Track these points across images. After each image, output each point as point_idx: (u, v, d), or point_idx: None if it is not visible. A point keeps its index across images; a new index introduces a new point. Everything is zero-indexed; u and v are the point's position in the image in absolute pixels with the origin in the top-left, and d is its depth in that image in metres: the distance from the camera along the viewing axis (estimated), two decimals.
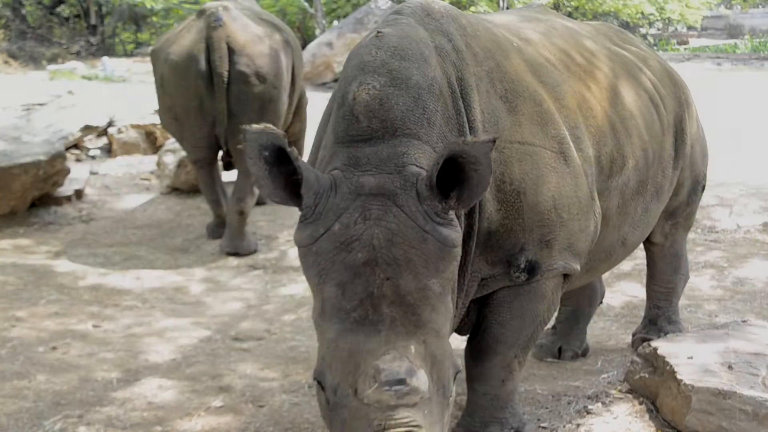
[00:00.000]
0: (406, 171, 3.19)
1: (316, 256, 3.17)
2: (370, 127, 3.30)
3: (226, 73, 7.98)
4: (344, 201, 3.16)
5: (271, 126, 3.16)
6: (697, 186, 5.31)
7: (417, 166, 3.21)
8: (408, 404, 2.90)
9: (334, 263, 3.11)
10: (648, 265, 5.60)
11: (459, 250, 3.25)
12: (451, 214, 3.20)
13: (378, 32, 3.54)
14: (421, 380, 2.94)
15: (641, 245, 5.29)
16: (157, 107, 9.09)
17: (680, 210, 5.25)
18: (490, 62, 3.77)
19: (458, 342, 5.20)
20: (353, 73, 3.43)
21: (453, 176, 3.11)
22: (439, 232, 3.13)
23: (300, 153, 10.17)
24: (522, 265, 3.71)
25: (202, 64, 8.03)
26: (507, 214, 3.62)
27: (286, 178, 3.19)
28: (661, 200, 4.79)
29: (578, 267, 3.94)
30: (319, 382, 3.09)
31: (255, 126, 3.13)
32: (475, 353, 3.95)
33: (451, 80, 3.57)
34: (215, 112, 8.08)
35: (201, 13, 8.51)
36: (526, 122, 3.72)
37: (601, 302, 5.76)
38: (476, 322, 3.93)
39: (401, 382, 2.91)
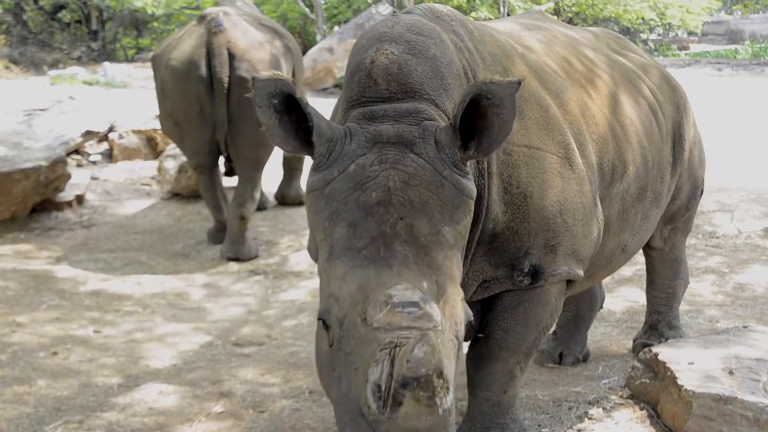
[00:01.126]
0: (424, 123, 3.16)
1: (328, 199, 3.11)
2: (388, 90, 3.26)
3: (226, 79, 7.98)
4: (360, 148, 3.12)
5: (279, 72, 3.12)
6: (696, 191, 5.32)
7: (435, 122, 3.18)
8: (421, 328, 2.80)
9: (347, 203, 3.05)
10: (647, 270, 5.60)
11: (473, 207, 3.20)
12: (468, 168, 3.17)
13: (393, 12, 3.50)
14: (435, 309, 2.86)
15: (641, 250, 5.29)
16: (157, 112, 9.10)
17: (679, 215, 5.26)
18: (498, 66, 3.77)
19: None
20: (369, 42, 3.39)
21: (471, 127, 3.08)
22: (456, 179, 3.10)
23: (300, 160, 10.23)
24: (526, 270, 3.70)
25: (203, 70, 8.04)
26: (513, 217, 3.62)
27: (296, 126, 3.16)
28: (660, 206, 4.80)
29: (581, 273, 3.94)
30: (323, 322, 2.99)
31: (263, 73, 3.12)
32: (477, 359, 3.95)
33: (467, 71, 3.57)
34: (216, 117, 8.08)
35: (202, 18, 8.51)
36: (533, 127, 3.73)
37: (602, 307, 5.76)
38: (479, 328, 3.92)
39: (414, 304, 2.84)
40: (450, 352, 2.88)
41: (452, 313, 2.95)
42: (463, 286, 3.62)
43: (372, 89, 3.27)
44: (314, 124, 3.11)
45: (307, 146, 3.18)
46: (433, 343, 2.71)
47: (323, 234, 3.13)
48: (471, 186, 3.16)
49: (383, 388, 2.73)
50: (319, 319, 3.02)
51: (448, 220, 3.06)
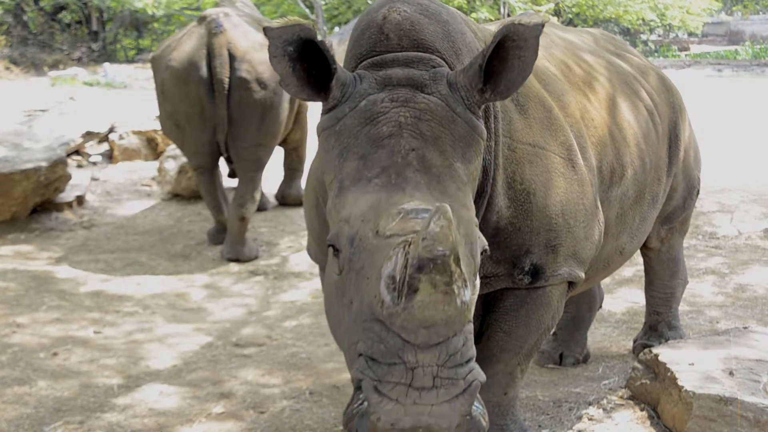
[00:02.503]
0: (435, 69, 3.16)
1: (339, 135, 3.09)
2: (400, 44, 3.23)
3: (227, 80, 7.98)
4: (371, 88, 3.12)
5: (294, 17, 3.10)
6: (692, 190, 5.32)
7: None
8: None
9: (358, 137, 3.03)
10: (646, 271, 5.60)
11: (483, 148, 3.18)
12: (481, 111, 3.17)
13: None
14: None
15: (638, 251, 5.29)
16: (158, 113, 9.10)
17: (676, 215, 5.26)
18: None
19: None
20: (380, 3, 3.36)
21: (488, 70, 3.06)
22: (470, 117, 3.09)
23: (301, 161, 10.24)
24: (526, 268, 3.69)
25: (203, 71, 8.04)
26: (516, 213, 3.61)
27: (308, 73, 3.13)
28: (656, 207, 4.81)
29: (582, 275, 3.93)
30: (332, 248, 2.92)
31: (277, 21, 3.10)
32: (477, 360, 3.93)
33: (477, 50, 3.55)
34: (216, 118, 8.08)
35: (202, 19, 8.51)
36: (537, 126, 3.73)
37: (600, 306, 5.76)
38: (479, 330, 3.91)
39: (427, 211, 2.76)
40: (466, 266, 2.77)
41: (467, 233, 2.89)
42: None
43: (383, 44, 3.24)
44: (337, 69, 3.09)
45: (320, 92, 3.16)
46: (449, 218, 2.59)
47: (333, 173, 3.10)
48: (483, 128, 3.15)
49: (398, 278, 2.64)
50: (329, 245, 2.95)
51: (461, 156, 3.04)
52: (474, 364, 2.73)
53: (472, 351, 2.74)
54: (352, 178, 2.99)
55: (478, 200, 3.45)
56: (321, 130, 3.19)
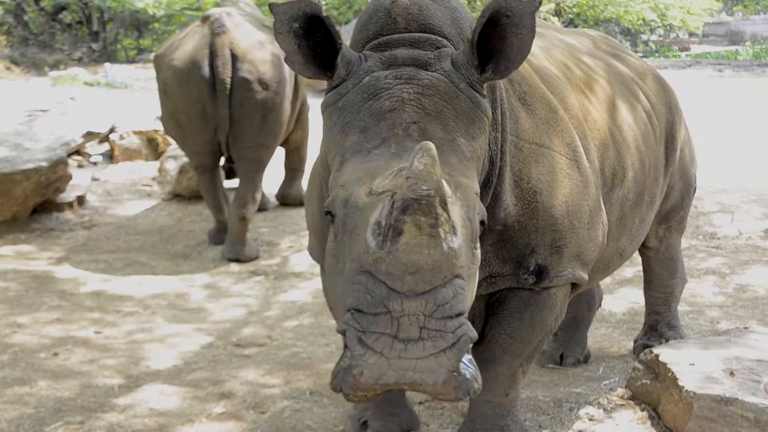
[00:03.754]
0: (441, 49, 3.17)
1: (341, 111, 3.10)
2: (407, 28, 3.24)
3: (229, 80, 7.98)
4: (376, 66, 3.13)
5: None
6: (689, 189, 5.33)
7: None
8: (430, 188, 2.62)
9: (360, 112, 3.04)
10: (644, 270, 5.60)
11: (488, 128, 3.18)
12: (486, 91, 3.17)
13: None
14: (444, 184, 2.70)
15: (637, 251, 5.29)
16: (159, 113, 9.10)
17: (673, 214, 5.27)
18: None
19: None
20: None
21: (489, 49, 3.07)
22: (473, 94, 3.09)
23: (302, 161, 10.24)
24: (531, 268, 3.68)
25: (206, 70, 8.04)
26: (523, 212, 3.60)
27: (313, 51, 3.14)
28: (654, 209, 4.82)
29: (586, 276, 3.93)
30: (330, 214, 2.92)
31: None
32: (480, 362, 3.89)
33: None
34: (218, 118, 8.08)
35: (205, 19, 8.52)
36: (543, 126, 3.74)
37: (600, 306, 5.76)
38: (482, 331, 3.90)
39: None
40: (460, 227, 2.74)
41: (465, 197, 2.85)
42: None
43: (390, 27, 3.25)
44: (342, 45, 3.10)
45: (325, 70, 3.16)
46: (433, 155, 2.57)
47: (335, 149, 3.09)
48: (487, 106, 3.15)
49: (383, 223, 2.62)
50: (326, 212, 2.94)
51: (464, 132, 3.04)
52: (464, 320, 2.66)
53: (463, 305, 2.68)
54: (353, 151, 2.99)
55: (484, 189, 3.44)
56: (325, 107, 3.20)
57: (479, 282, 3.66)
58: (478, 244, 2.93)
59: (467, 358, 2.66)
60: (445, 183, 2.66)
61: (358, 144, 2.99)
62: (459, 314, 2.66)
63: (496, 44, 3.07)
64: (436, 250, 2.58)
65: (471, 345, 2.68)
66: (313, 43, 3.13)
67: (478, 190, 3.02)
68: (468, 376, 2.64)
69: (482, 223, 2.95)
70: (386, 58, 3.14)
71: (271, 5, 3.13)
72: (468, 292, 2.77)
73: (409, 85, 3.05)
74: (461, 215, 2.80)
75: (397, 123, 2.97)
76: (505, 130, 3.54)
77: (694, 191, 5.45)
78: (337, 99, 3.14)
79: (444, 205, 2.59)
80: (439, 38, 3.23)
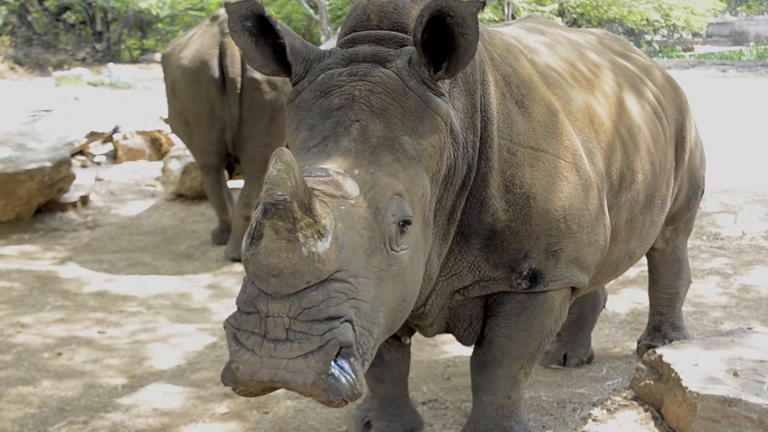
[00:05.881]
0: (404, 48, 3.20)
1: (297, 108, 3.17)
2: (379, 26, 3.29)
3: (239, 79, 7.99)
4: (335, 63, 3.18)
5: None
6: (697, 191, 5.29)
7: None
8: (324, 192, 2.74)
9: (311, 109, 3.11)
10: (650, 271, 5.58)
11: (443, 128, 3.19)
12: (444, 89, 3.19)
13: None
14: (349, 183, 2.81)
15: None
16: (162, 113, 9.12)
17: (680, 215, 5.24)
18: (507, 68, 3.74)
19: (462, 350, 5.20)
20: None
21: (445, 48, 3.08)
22: (424, 92, 3.12)
23: None
24: (524, 272, 3.66)
25: (215, 70, 8.05)
26: (514, 217, 3.58)
27: (273, 49, 3.20)
28: (665, 211, 4.77)
29: (586, 280, 3.90)
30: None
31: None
32: (480, 364, 3.92)
33: (478, 57, 3.54)
34: (226, 117, 8.10)
35: (214, 18, 8.54)
36: (541, 129, 3.70)
37: (604, 307, 5.75)
38: (481, 333, 3.90)
39: (323, 170, 2.82)
40: (358, 226, 2.79)
41: (375, 198, 2.87)
42: (456, 273, 3.60)
43: (363, 24, 3.31)
44: (287, 42, 3.15)
45: (286, 68, 3.23)
46: (287, 161, 2.60)
47: (292, 146, 3.16)
48: (440, 102, 3.17)
49: (253, 226, 2.70)
50: None
51: (410, 130, 3.07)
52: (339, 324, 2.68)
53: (338, 309, 2.71)
54: (299, 148, 3.07)
55: (460, 192, 3.45)
56: (286, 104, 3.28)
57: (471, 285, 3.67)
58: (403, 245, 2.95)
59: (346, 361, 2.69)
60: (307, 188, 2.67)
61: (303, 141, 3.07)
62: (331, 318, 2.69)
63: (449, 44, 3.08)
64: (295, 254, 2.64)
65: (350, 348, 2.70)
66: (272, 41, 3.20)
67: (403, 190, 2.99)
68: (343, 380, 2.66)
69: (406, 223, 2.95)
70: (348, 54, 3.20)
71: (225, 5, 3.20)
72: (362, 294, 2.78)
73: (363, 82, 3.09)
74: (363, 216, 2.82)
75: (341, 121, 3.02)
76: (490, 135, 3.51)
77: (702, 193, 5.40)
78: (294, 96, 3.21)
79: (306, 209, 2.63)
80: (407, 36, 3.25)
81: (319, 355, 2.64)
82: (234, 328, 2.73)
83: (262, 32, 3.18)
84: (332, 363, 2.65)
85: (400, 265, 2.95)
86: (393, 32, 3.27)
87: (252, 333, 2.69)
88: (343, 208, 2.78)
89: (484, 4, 2.99)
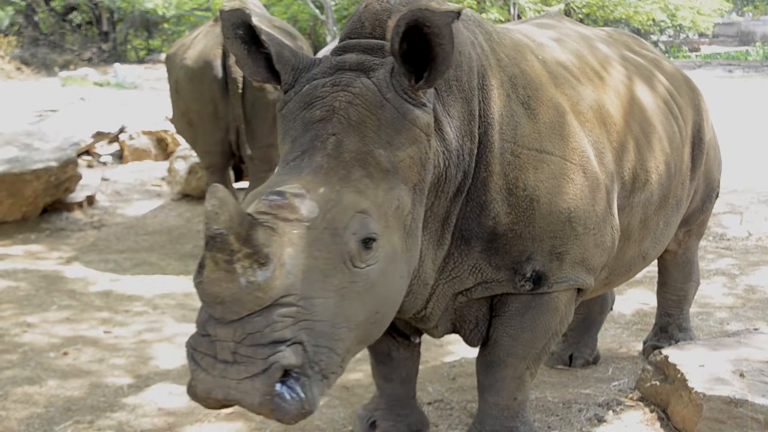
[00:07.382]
0: (390, 57, 3.19)
1: (284, 119, 3.22)
2: (372, 34, 3.30)
3: (241, 79, 8.00)
4: (322, 73, 3.21)
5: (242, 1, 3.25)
6: (712, 193, 5.25)
7: None
8: (277, 216, 2.82)
9: (295, 121, 3.15)
10: (660, 272, 5.57)
11: (423, 138, 3.18)
12: (426, 99, 3.20)
13: None
14: (306, 205, 2.87)
15: None
16: (168, 113, 9.12)
17: (694, 217, 5.20)
18: (515, 68, 3.71)
19: (468, 351, 5.20)
20: None
21: (424, 59, 3.08)
22: (401, 103, 3.13)
23: None
24: (528, 274, 3.65)
25: (218, 70, 8.06)
26: (517, 220, 3.56)
27: (266, 56, 3.25)
28: (680, 212, 4.72)
29: (592, 282, 3.88)
30: None
31: (228, 4, 3.22)
32: (486, 365, 3.90)
33: (477, 63, 3.53)
34: (230, 117, 8.10)
35: (217, 18, 8.54)
36: (546, 131, 3.67)
37: (612, 308, 5.74)
38: (487, 334, 3.89)
39: (279, 194, 2.88)
40: (312, 248, 2.84)
41: (334, 218, 2.90)
42: (457, 276, 3.60)
43: (357, 31, 3.33)
44: (273, 51, 3.19)
45: (277, 77, 3.26)
46: (220, 197, 2.69)
47: (281, 154, 3.22)
48: (419, 113, 3.16)
49: (202, 254, 2.80)
50: None
51: (385, 143, 3.09)
52: (284, 347, 2.76)
53: (282, 334, 2.78)
54: (282, 161, 3.13)
55: (454, 198, 3.46)
56: (276, 114, 3.31)
57: (473, 287, 3.66)
58: (369, 261, 2.97)
59: (296, 381, 2.78)
60: (246, 219, 2.73)
61: (285, 155, 3.12)
62: (275, 342, 2.77)
63: (429, 53, 3.08)
64: (233, 284, 2.74)
65: (301, 368, 2.78)
66: (264, 50, 3.24)
67: (369, 206, 3.00)
68: (289, 399, 2.76)
69: (369, 239, 2.97)
70: (335, 63, 3.22)
71: (219, 11, 3.25)
72: (318, 314, 2.83)
73: (344, 92, 3.11)
74: (318, 237, 2.86)
75: (319, 135, 3.06)
76: (491, 140, 3.50)
77: (717, 196, 5.35)
78: (282, 107, 3.24)
79: (244, 240, 2.71)
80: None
81: (263, 377, 2.75)
82: (192, 348, 2.87)
83: (254, 40, 3.22)
84: (279, 384, 2.75)
85: (366, 281, 2.98)
86: (383, 41, 3.27)
87: (205, 354, 2.82)
88: (296, 231, 2.84)
89: (459, 14, 3.00)
